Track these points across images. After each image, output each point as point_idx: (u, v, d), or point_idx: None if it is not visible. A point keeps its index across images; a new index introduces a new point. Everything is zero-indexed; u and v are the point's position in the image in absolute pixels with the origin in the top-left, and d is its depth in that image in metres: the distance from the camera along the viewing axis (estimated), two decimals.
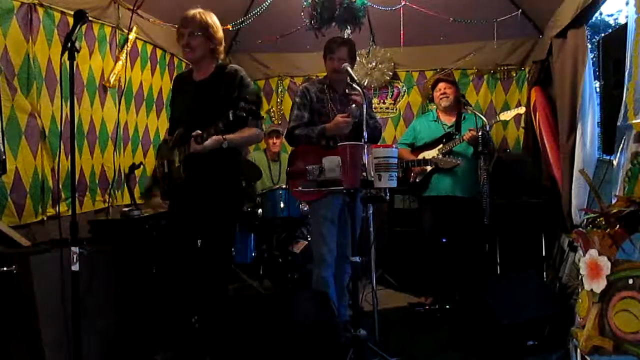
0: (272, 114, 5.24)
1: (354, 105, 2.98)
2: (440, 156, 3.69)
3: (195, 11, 2.59)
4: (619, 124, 2.39)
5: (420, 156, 3.85)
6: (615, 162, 2.48)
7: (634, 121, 2.24)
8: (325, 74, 3.19)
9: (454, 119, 3.84)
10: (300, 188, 2.82)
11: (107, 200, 3.47)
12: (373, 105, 4.94)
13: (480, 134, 3.52)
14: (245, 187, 3.46)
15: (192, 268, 2.69)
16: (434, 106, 4.17)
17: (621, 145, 2.40)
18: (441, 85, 3.94)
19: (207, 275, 2.66)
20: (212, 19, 2.62)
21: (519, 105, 4.74)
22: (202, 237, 2.70)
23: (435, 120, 3.98)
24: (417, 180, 3.84)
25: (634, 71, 2.25)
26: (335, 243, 2.99)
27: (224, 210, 2.68)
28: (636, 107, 2.24)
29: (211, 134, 2.46)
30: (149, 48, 4.00)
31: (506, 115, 3.83)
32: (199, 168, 2.59)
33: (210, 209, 2.63)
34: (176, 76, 2.97)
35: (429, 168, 3.78)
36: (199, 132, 2.45)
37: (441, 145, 3.80)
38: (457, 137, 3.74)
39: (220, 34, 2.66)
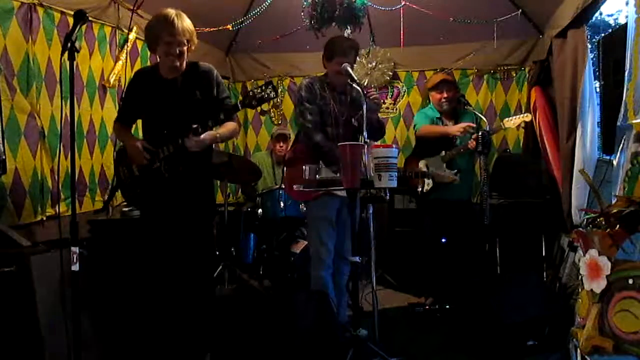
0: (272, 114, 5.24)
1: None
2: (437, 170, 3.64)
3: (177, 18, 2.53)
4: (618, 124, 2.39)
5: (422, 163, 3.83)
6: (615, 162, 2.49)
7: (634, 121, 2.24)
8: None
9: (453, 121, 3.82)
10: (296, 187, 2.78)
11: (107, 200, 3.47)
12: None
13: (480, 134, 3.51)
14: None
15: (178, 266, 2.70)
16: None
17: (621, 145, 2.40)
18: (443, 87, 3.85)
19: (196, 271, 2.71)
20: (191, 23, 2.61)
21: (519, 105, 4.75)
22: (188, 234, 2.69)
23: (437, 121, 3.93)
24: (424, 189, 3.80)
25: (633, 71, 2.25)
26: (333, 243, 2.98)
27: (207, 206, 2.79)
28: (636, 107, 2.24)
29: (205, 130, 2.53)
30: None
31: (511, 123, 3.73)
32: (180, 165, 2.62)
33: (196, 205, 2.69)
34: (137, 72, 2.89)
35: (427, 182, 3.74)
36: (195, 125, 2.49)
37: (443, 153, 3.77)
38: (457, 141, 3.72)
39: (195, 35, 2.67)
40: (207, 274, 2.84)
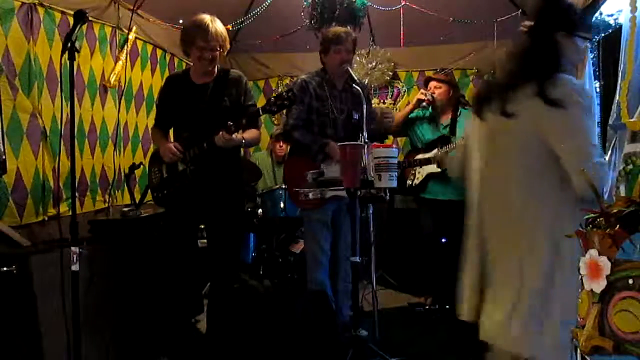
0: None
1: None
2: (441, 152, 3.65)
3: (212, 24, 2.59)
4: (610, 122, 2.39)
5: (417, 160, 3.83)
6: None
7: (628, 120, 2.24)
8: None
9: (449, 118, 3.83)
10: (301, 193, 2.77)
11: (107, 200, 3.47)
12: (373, 105, 4.93)
13: None
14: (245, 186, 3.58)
15: (192, 269, 2.77)
16: None
17: (612, 144, 2.39)
18: (431, 84, 3.87)
19: (218, 274, 2.78)
20: (224, 29, 2.67)
21: None
22: (213, 237, 2.78)
23: (428, 118, 3.93)
24: (413, 184, 3.83)
25: (627, 69, 2.25)
26: (329, 244, 2.98)
27: (235, 209, 2.80)
28: (630, 106, 2.23)
29: (238, 128, 2.56)
30: (149, 48, 4.01)
31: None
32: (206, 169, 2.66)
33: (222, 208, 2.72)
34: (169, 77, 2.97)
35: (417, 175, 3.77)
36: (230, 123, 2.52)
37: (436, 150, 3.76)
38: (452, 139, 3.72)
39: (228, 42, 2.73)
40: (231, 276, 2.90)
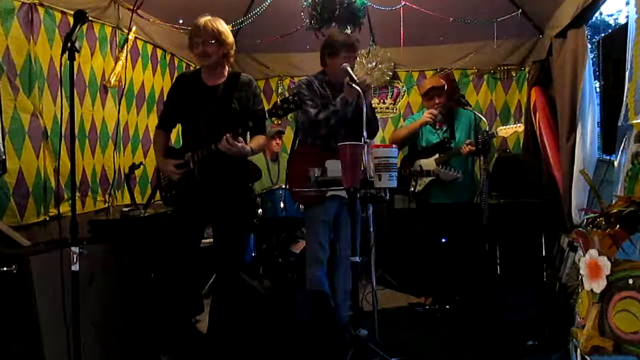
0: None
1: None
2: (441, 168, 3.65)
3: (205, 19, 2.61)
4: (619, 124, 2.40)
5: (417, 165, 3.83)
6: (616, 162, 2.49)
7: (634, 121, 2.24)
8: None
9: (446, 125, 3.81)
10: (301, 190, 2.78)
11: (107, 200, 3.47)
12: (372, 105, 4.93)
13: (479, 135, 3.52)
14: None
15: (193, 269, 2.77)
16: None
17: (622, 145, 2.40)
18: (436, 100, 3.78)
19: (223, 273, 2.81)
20: (223, 26, 2.66)
21: (519, 105, 4.76)
22: (219, 236, 2.79)
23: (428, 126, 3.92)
24: (416, 190, 3.81)
25: (634, 72, 2.26)
26: (329, 243, 2.98)
27: (241, 209, 2.82)
28: (637, 108, 2.24)
29: (245, 131, 2.59)
30: (150, 48, 4.00)
31: (504, 132, 3.72)
32: (213, 171, 2.66)
33: (227, 210, 2.72)
34: (180, 75, 2.95)
35: (427, 180, 3.75)
36: (229, 135, 2.51)
37: (437, 156, 3.76)
38: (452, 144, 3.72)
39: (230, 39, 2.71)
40: (234, 278, 2.93)
